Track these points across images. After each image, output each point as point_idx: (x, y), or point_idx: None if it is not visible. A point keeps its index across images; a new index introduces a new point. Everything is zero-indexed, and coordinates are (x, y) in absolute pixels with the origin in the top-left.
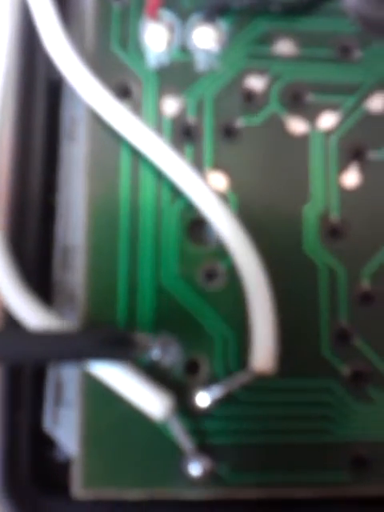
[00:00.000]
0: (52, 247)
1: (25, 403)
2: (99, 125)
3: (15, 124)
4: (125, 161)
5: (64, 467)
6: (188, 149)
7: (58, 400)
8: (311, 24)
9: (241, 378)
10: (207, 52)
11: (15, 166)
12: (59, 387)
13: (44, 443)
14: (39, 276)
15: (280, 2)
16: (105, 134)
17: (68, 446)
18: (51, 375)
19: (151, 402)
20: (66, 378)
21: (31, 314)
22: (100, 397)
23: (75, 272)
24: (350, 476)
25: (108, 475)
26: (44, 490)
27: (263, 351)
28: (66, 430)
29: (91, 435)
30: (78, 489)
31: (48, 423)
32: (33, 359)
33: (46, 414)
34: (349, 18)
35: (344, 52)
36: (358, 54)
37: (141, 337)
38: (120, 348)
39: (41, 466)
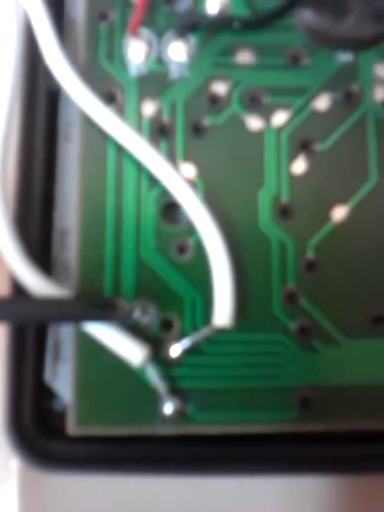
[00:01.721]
0: (52, 230)
1: (28, 359)
2: (90, 126)
3: (20, 127)
4: (111, 155)
5: (61, 415)
6: (163, 144)
7: (57, 356)
8: (266, 37)
9: (205, 332)
10: (179, 63)
11: (20, 162)
12: (57, 345)
13: (45, 394)
14: (42, 254)
15: (240, 19)
16: (94, 134)
17: (65, 395)
18: (51, 335)
19: (132, 351)
20: (63, 337)
21: (35, 284)
22: (90, 352)
23: (70, 249)
24: (297, 414)
25: (96, 416)
26: (44, 433)
27: (223, 310)
28: (63, 381)
29: (83, 383)
30: (72, 427)
31: (48, 376)
32: (36, 320)
33: (46, 368)
34: (298, 31)
35: (294, 60)
36: (306, 61)
37: (123, 302)
38: (106, 311)
39: (42, 414)
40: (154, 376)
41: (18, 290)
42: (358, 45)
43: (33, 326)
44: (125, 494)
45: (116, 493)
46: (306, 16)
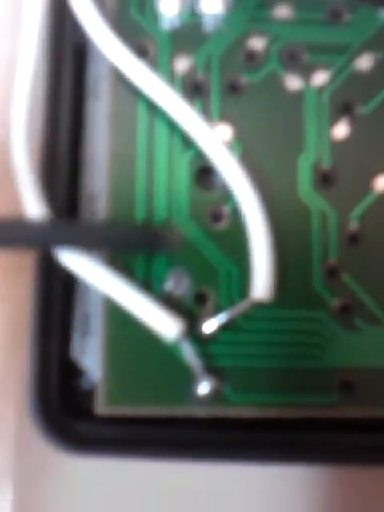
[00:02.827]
0: (80, 195)
1: (55, 334)
2: (120, 82)
3: (46, 83)
4: (142, 114)
5: (89, 394)
6: (197, 103)
7: (85, 330)
8: None
9: (242, 306)
10: (214, 16)
11: (46, 122)
12: (86, 319)
13: (72, 372)
14: (69, 220)
15: None
16: (124, 90)
17: (93, 372)
18: (79, 307)
19: (165, 325)
20: (92, 310)
21: None
22: (120, 325)
23: (99, 216)
24: (338, 398)
25: (126, 394)
26: (71, 411)
27: (261, 283)
28: (91, 357)
29: (113, 359)
30: (101, 406)
31: (76, 352)
32: (93, 246)
33: (73, 344)
34: None
35: (334, 16)
36: (346, 17)
37: (174, 231)
38: (157, 238)
39: (69, 392)
40: (189, 353)
41: (45, 261)
42: None
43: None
44: (155, 480)
45: (145, 478)
46: None
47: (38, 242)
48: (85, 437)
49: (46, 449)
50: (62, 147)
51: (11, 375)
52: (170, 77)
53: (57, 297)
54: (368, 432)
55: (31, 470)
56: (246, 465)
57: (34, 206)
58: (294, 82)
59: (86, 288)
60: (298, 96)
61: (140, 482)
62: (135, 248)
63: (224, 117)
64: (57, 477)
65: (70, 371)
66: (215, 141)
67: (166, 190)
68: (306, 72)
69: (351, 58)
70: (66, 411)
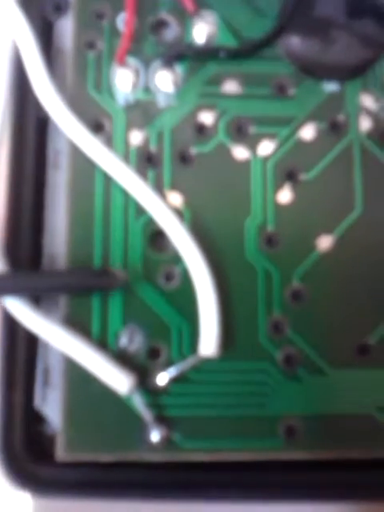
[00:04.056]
0: (41, 256)
1: (18, 385)
2: (78, 155)
3: (10, 155)
4: (98, 184)
5: (51, 439)
6: (150, 172)
7: (46, 383)
8: (253, 67)
9: (191, 362)
10: (166, 92)
11: (10, 190)
12: (47, 372)
13: (35, 419)
14: None
15: (226, 49)
16: (82, 163)
17: (54, 420)
18: (40, 361)
19: (118, 380)
20: (52, 364)
21: (24, 312)
22: (78, 379)
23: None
24: (283, 443)
25: (85, 442)
26: (34, 457)
27: (209, 339)
28: (52, 407)
29: (71, 410)
30: (61, 453)
31: (38, 402)
32: (35, 291)
33: (36, 394)
34: (284, 60)
35: (280, 90)
36: (292, 91)
37: (118, 271)
38: (102, 279)
39: (32, 438)
40: (140, 404)
41: (8, 316)
42: (346, 72)
43: (23, 346)
44: None
45: None
46: (291, 44)
47: None
48: (46, 480)
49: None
50: (25, 213)
51: None
52: (125, 149)
53: (21, 349)
54: (313, 472)
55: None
56: (199, 503)
57: None
58: (241, 152)
59: (47, 343)
60: (245, 165)
61: None
62: (88, 289)
63: (175, 185)
64: None
65: (34, 418)
66: (164, 209)
67: (122, 251)
68: (253, 142)
69: (295, 129)
70: (30, 456)
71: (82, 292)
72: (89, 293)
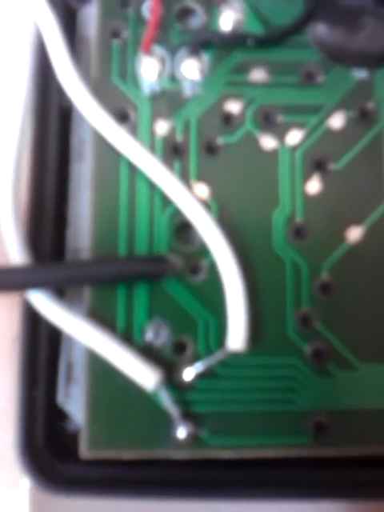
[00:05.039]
0: (65, 250)
1: (41, 381)
2: (102, 145)
3: (32, 145)
4: (123, 175)
5: (74, 436)
6: (176, 163)
7: (69, 378)
8: (280, 54)
9: (218, 356)
10: (192, 81)
11: (33, 181)
12: (70, 367)
13: (58, 416)
14: None
15: (253, 37)
16: (107, 153)
17: (77, 417)
18: (63, 356)
19: (144, 375)
20: (76, 359)
21: (48, 305)
22: (102, 374)
23: None
24: (311, 439)
25: (109, 439)
26: (57, 454)
27: (236, 334)
28: (75, 403)
29: (95, 406)
30: (84, 451)
31: (61, 398)
32: (91, 280)
33: (59, 390)
34: (312, 48)
35: (308, 77)
36: (320, 78)
37: (173, 257)
38: (158, 265)
39: (55, 435)
40: (166, 400)
41: (31, 312)
42: (374, 59)
43: (45, 341)
44: None
45: None
46: (319, 30)
47: (20, 284)
48: (69, 478)
49: (33, 488)
50: (48, 205)
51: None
52: (150, 139)
53: (43, 344)
54: (341, 469)
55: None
56: (225, 502)
57: (18, 258)
58: (268, 142)
59: (70, 338)
60: (273, 155)
61: None
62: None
63: (202, 176)
64: None
65: (57, 415)
66: (191, 200)
67: (147, 244)
68: (280, 132)
69: (324, 118)
70: (52, 453)
71: (138, 280)
72: (144, 280)
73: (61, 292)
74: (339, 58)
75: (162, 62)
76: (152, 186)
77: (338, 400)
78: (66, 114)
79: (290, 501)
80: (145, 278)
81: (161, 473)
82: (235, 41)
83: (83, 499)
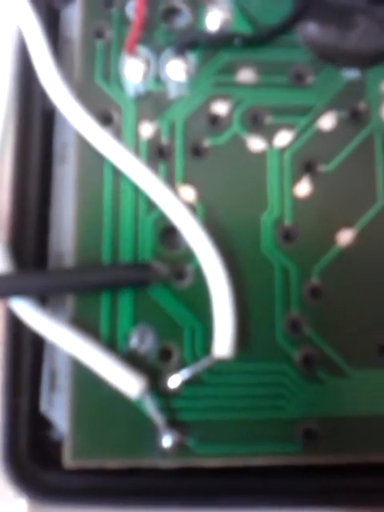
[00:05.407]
0: (47, 254)
1: (24, 389)
2: (86, 148)
3: (15, 148)
4: (107, 178)
5: (58, 445)
6: (161, 166)
7: (53, 386)
8: (269, 54)
9: (205, 363)
10: (178, 82)
11: (15, 185)
12: (53, 375)
13: (41, 424)
14: None
15: (241, 36)
16: (90, 156)
17: (61, 425)
18: (47, 364)
19: (128, 383)
20: (59, 367)
21: (30, 311)
22: (86, 382)
23: None
24: (301, 447)
25: (93, 448)
26: (40, 463)
27: (223, 339)
28: (59, 411)
29: (79, 415)
30: (68, 460)
31: (44, 406)
32: (72, 289)
33: (42, 398)
34: (302, 48)
35: (298, 78)
36: (310, 79)
37: (158, 264)
38: (144, 273)
39: (38, 443)
40: (151, 408)
41: (14, 319)
42: (366, 59)
43: (28, 348)
44: None
45: None
46: (309, 30)
47: (2, 292)
48: (53, 487)
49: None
50: (31, 208)
51: None
52: (135, 141)
53: (26, 352)
54: (331, 477)
55: None
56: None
57: (0, 264)
58: (257, 144)
59: (54, 345)
60: (261, 156)
61: None
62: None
63: (187, 179)
64: None
65: (40, 423)
66: (177, 204)
67: (132, 249)
68: (269, 133)
69: (314, 119)
70: (35, 462)
71: (122, 288)
72: (128, 288)
73: (43, 299)
74: (330, 57)
75: (147, 62)
76: (136, 190)
77: (328, 407)
78: (48, 116)
79: (279, 510)
80: (129, 285)
81: (146, 482)
82: (222, 41)
83: (67, 509)
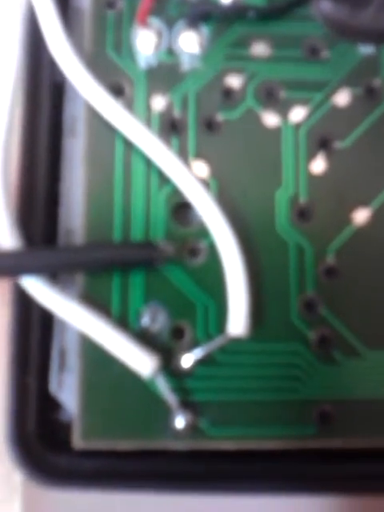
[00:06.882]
0: (57, 230)
1: (33, 369)
2: (96, 120)
3: (23, 121)
4: (118, 152)
5: (67, 426)
6: (174, 140)
7: (62, 366)
8: (283, 28)
9: (218, 342)
10: (191, 54)
11: (23, 159)
12: (63, 354)
13: (50, 405)
14: None
15: (255, 9)
16: (101, 129)
17: (70, 406)
18: (56, 343)
19: (140, 362)
20: (69, 345)
21: (39, 288)
22: (96, 361)
23: None
24: (316, 430)
25: (103, 429)
26: (49, 445)
27: (238, 318)
28: (68, 392)
29: (89, 395)
30: (78, 441)
31: (54, 387)
32: (81, 267)
33: (51, 378)
34: (317, 21)
35: (313, 52)
36: (325, 53)
37: (164, 244)
38: (150, 252)
39: (47, 425)
40: (164, 388)
41: (23, 296)
42: (379, 36)
43: (37, 327)
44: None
45: (124, 510)
46: (323, 6)
47: (11, 269)
48: (62, 470)
49: (26, 480)
50: (40, 184)
51: None
52: (147, 115)
53: (35, 331)
54: (346, 462)
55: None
56: (225, 495)
57: (8, 239)
58: (271, 119)
59: (63, 323)
60: (275, 132)
61: None
62: (133, 264)
63: (200, 154)
64: (36, 509)
65: (49, 404)
66: (190, 178)
67: (143, 225)
68: (284, 108)
69: (329, 94)
70: (44, 444)
71: (126, 268)
72: (132, 268)
73: (54, 275)
74: (344, 33)
75: (159, 34)
76: (148, 164)
77: (343, 389)
78: (58, 89)
79: (293, 494)
80: (136, 265)
81: (158, 464)
82: (236, 13)
83: (77, 492)
